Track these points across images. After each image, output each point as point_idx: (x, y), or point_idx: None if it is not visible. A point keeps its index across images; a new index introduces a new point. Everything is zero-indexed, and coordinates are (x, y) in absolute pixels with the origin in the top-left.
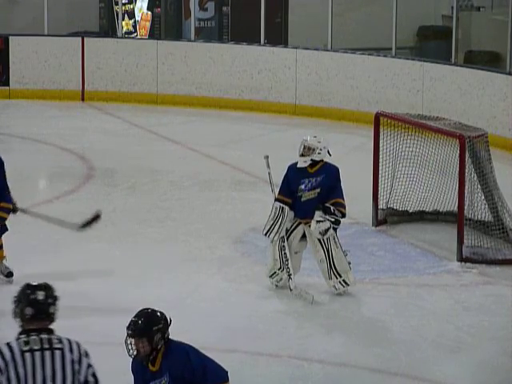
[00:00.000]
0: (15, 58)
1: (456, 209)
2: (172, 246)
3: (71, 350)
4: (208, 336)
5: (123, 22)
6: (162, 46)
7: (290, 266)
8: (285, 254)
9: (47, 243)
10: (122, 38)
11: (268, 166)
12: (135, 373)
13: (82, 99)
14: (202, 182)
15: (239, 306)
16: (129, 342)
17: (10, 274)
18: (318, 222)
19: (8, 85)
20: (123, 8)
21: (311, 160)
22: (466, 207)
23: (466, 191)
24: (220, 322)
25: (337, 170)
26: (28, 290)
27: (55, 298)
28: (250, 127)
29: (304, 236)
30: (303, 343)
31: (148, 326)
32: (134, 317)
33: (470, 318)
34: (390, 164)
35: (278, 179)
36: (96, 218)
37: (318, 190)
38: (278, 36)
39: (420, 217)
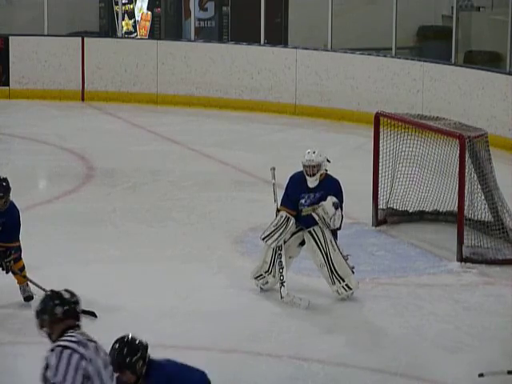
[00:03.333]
0: (15, 58)
1: (456, 209)
2: (172, 246)
3: None
4: (208, 336)
5: (123, 22)
6: (161, 46)
7: (284, 273)
8: (280, 261)
9: (47, 242)
10: (122, 38)
11: (273, 178)
12: None
13: (82, 99)
14: (202, 182)
15: (239, 306)
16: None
17: (28, 298)
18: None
19: (8, 85)
20: (123, 8)
21: (320, 175)
22: (466, 207)
23: (466, 191)
24: (220, 321)
25: (337, 183)
26: (52, 294)
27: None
28: (250, 127)
29: (301, 243)
30: (303, 343)
31: (129, 358)
32: (113, 350)
33: (470, 318)
34: (390, 164)
35: (281, 180)
36: (91, 314)
37: (316, 207)
38: (278, 36)
39: (420, 217)
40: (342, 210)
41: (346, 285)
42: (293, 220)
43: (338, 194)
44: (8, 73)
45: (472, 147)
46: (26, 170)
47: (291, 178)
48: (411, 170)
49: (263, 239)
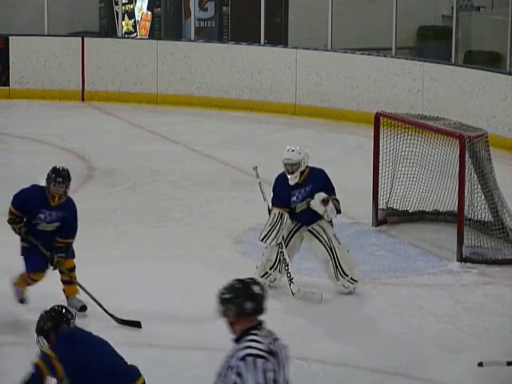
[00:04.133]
0: (15, 58)
1: (456, 209)
2: (172, 246)
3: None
4: (208, 336)
5: (123, 22)
6: (161, 46)
7: (290, 270)
8: (284, 259)
9: None
10: (122, 37)
11: (258, 176)
12: None
13: (82, 99)
14: (201, 182)
15: None
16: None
17: (83, 308)
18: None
19: (8, 85)
20: (123, 8)
21: (300, 173)
22: (466, 207)
23: (466, 191)
24: (220, 322)
25: (322, 173)
26: (243, 284)
27: (266, 292)
28: (250, 127)
29: (300, 242)
30: (303, 343)
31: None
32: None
33: (470, 318)
34: (390, 164)
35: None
36: (136, 324)
37: (310, 200)
38: (278, 36)
39: (420, 217)
40: (335, 195)
41: (351, 278)
42: (286, 215)
43: (327, 183)
44: (8, 73)
45: (472, 147)
46: (26, 170)
47: (277, 178)
48: (411, 170)
49: (262, 240)
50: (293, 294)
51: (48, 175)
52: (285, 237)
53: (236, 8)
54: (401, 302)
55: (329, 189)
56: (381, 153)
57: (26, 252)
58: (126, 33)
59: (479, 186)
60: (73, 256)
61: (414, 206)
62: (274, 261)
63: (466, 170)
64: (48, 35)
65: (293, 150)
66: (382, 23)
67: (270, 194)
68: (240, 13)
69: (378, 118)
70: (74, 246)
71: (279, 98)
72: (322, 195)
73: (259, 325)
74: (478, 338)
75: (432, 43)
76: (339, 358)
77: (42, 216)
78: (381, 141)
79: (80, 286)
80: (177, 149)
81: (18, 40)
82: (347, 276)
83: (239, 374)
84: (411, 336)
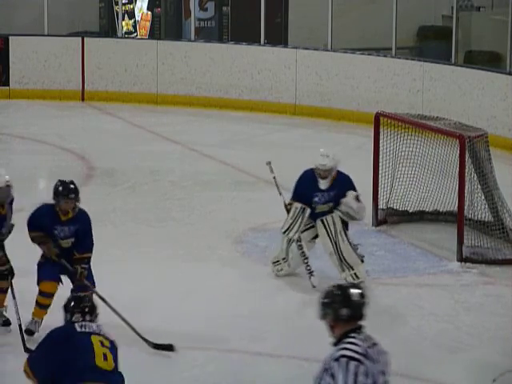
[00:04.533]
0: (15, 58)
1: (456, 209)
2: (172, 246)
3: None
4: (208, 336)
5: (123, 22)
6: (161, 46)
7: (309, 263)
8: (303, 252)
9: None
10: (122, 37)
11: (272, 171)
12: None
13: (82, 99)
14: (201, 182)
15: (239, 306)
16: None
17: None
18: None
19: (8, 85)
20: (123, 8)
21: (331, 177)
22: (466, 207)
23: (466, 191)
24: (220, 321)
25: (348, 179)
26: (342, 290)
27: (366, 298)
28: (250, 127)
29: (314, 238)
30: (303, 343)
31: None
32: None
33: (470, 318)
34: (390, 164)
35: (282, 180)
36: (169, 348)
37: (331, 204)
38: (278, 36)
39: (420, 217)
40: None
41: (355, 273)
42: (309, 210)
43: (352, 189)
44: (8, 73)
45: (472, 147)
46: (26, 170)
47: (303, 175)
48: (411, 170)
49: (284, 232)
50: (313, 286)
51: (57, 191)
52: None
53: (236, 8)
54: (401, 302)
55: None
56: (381, 153)
57: (40, 264)
58: (125, 33)
59: (479, 186)
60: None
61: (413, 205)
62: (285, 251)
63: (466, 170)
64: (48, 35)
65: (327, 156)
66: (382, 23)
67: (283, 187)
68: (240, 13)
69: (377, 118)
70: None
71: (279, 97)
72: (353, 192)
73: (358, 329)
74: (478, 338)
75: (432, 43)
76: None
77: (56, 232)
78: (381, 141)
79: (114, 310)
80: (177, 149)
81: (18, 40)
82: (352, 270)
83: (332, 375)
84: (411, 336)
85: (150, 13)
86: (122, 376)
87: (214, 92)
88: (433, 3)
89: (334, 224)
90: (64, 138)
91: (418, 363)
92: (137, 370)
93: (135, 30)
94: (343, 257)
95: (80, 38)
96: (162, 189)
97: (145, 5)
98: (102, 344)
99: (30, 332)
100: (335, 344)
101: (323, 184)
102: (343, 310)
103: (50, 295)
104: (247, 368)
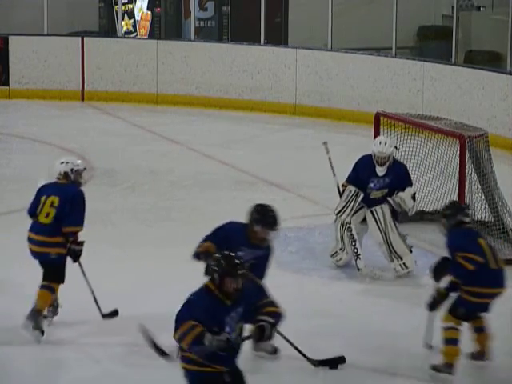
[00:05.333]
0: (15, 58)
1: None
2: (172, 246)
3: None
4: None
5: (123, 22)
6: (161, 46)
7: (357, 246)
8: (351, 235)
9: None
10: (122, 37)
11: (327, 152)
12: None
13: (82, 99)
14: (201, 182)
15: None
16: None
17: (275, 351)
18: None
19: (8, 85)
20: (123, 8)
21: (388, 164)
22: None
23: (466, 191)
24: None
25: (404, 167)
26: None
27: None
28: (250, 127)
29: (363, 220)
30: (303, 343)
31: None
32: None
33: None
34: None
35: (283, 181)
36: (340, 360)
37: (386, 191)
38: (278, 36)
39: (420, 217)
40: (412, 186)
41: (404, 263)
42: (362, 194)
43: (406, 178)
44: (8, 73)
45: (472, 147)
46: (25, 170)
47: (361, 159)
48: (411, 169)
49: (337, 214)
50: (358, 269)
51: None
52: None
53: (236, 8)
54: (401, 301)
55: (408, 184)
56: None
57: None
58: (125, 33)
59: (479, 186)
60: None
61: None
62: (340, 240)
63: (466, 170)
64: (48, 35)
65: (385, 143)
66: (382, 23)
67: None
68: (240, 13)
69: (378, 117)
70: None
71: (279, 97)
72: (411, 190)
73: None
74: None
75: (432, 43)
76: None
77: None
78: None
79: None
80: (177, 149)
81: (18, 40)
82: (401, 260)
83: None
84: (411, 336)
85: (149, 13)
86: None
87: (214, 92)
88: (433, 3)
89: (384, 215)
90: (64, 138)
91: (418, 363)
92: (137, 370)
93: (135, 30)
94: (392, 247)
95: (80, 38)
96: (162, 189)
97: (145, 5)
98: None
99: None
100: None
101: (380, 171)
102: None
103: None
104: (247, 368)
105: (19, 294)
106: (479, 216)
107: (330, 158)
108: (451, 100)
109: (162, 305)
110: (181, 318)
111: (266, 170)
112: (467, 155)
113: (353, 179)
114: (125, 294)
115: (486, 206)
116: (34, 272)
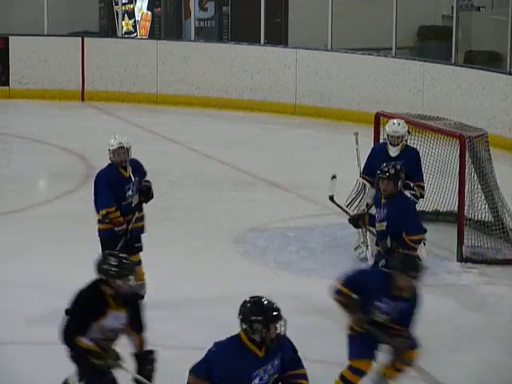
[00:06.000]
0: (15, 58)
1: (456, 209)
2: (172, 246)
3: None
4: (208, 336)
5: (123, 22)
6: (161, 46)
7: (368, 237)
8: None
9: (48, 242)
10: (122, 37)
11: (357, 143)
12: None
13: (82, 99)
14: (201, 182)
15: (239, 306)
16: None
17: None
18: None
19: (8, 85)
20: (123, 8)
21: (402, 145)
22: (466, 207)
23: (466, 191)
24: (220, 321)
25: (416, 153)
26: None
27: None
28: (250, 127)
29: None
30: (303, 343)
31: None
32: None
33: (470, 318)
34: None
35: (282, 180)
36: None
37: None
38: (278, 36)
39: (420, 217)
40: (422, 179)
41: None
42: (369, 186)
43: (417, 163)
44: (8, 73)
45: (472, 147)
46: (26, 170)
47: (374, 148)
48: None
49: (347, 205)
50: (366, 259)
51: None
52: (369, 204)
53: (236, 8)
54: None
55: (417, 170)
56: None
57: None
58: (125, 33)
59: (479, 186)
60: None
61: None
62: (362, 234)
63: (466, 170)
64: (48, 35)
65: (399, 124)
66: (382, 23)
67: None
68: (240, 13)
69: (378, 117)
70: (74, 245)
71: (279, 97)
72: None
73: None
74: (478, 337)
75: (432, 43)
76: (339, 358)
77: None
78: (381, 141)
79: None
80: (177, 149)
81: (18, 40)
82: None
83: None
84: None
85: (149, 13)
86: None
87: (214, 92)
88: (433, 3)
89: None
90: (64, 138)
91: (418, 363)
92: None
93: (135, 30)
94: None
95: (80, 38)
96: (162, 189)
97: (145, 5)
98: None
99: None
100: None
101: (393, 151)
102: None
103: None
104: None
105: (18, 294)
106: (479, 216)
107: (357, 149)
108: (451, 100)
109: (161, 304)
110: (194, 371)
111: (266, 170)
112: (467, 155)
113: (368, 167)
114: None
115: (486, 206)
116: (33, 271)
